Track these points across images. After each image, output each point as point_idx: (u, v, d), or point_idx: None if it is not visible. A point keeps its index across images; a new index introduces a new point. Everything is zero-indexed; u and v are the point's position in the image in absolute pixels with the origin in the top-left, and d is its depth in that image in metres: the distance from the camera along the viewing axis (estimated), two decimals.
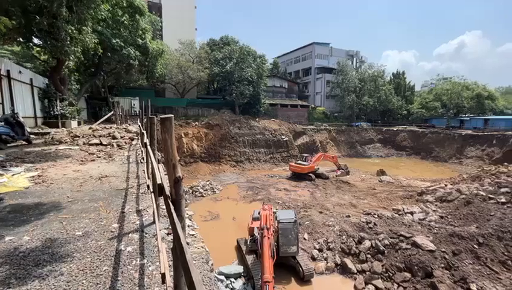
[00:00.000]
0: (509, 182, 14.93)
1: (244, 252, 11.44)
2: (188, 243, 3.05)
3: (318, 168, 27.16)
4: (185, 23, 40.56)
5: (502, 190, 14.00)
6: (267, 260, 8.23)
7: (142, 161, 7.47)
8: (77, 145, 9.93)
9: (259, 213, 11.28)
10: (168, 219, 2.48)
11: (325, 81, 59.91)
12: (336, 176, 26.98)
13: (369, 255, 10.84)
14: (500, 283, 8.63)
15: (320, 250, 12.10)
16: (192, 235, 3.87)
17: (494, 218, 11.49)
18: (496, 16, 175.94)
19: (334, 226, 13.79)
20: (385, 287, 9.42)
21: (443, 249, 9.81)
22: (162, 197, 1.96)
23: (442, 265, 9.31)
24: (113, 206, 4.24)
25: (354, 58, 65.55)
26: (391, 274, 9.85)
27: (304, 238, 13.28)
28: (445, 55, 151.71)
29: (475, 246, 9.85)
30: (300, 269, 10.18)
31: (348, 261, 10.82)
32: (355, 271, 10.44)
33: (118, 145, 10.28)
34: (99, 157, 8.32)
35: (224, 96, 40.39)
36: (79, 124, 17.27)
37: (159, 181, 1.87)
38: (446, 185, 18.66)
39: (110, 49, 19.15)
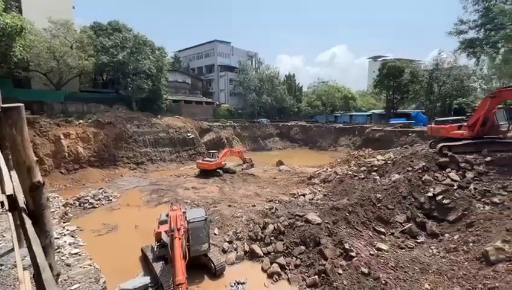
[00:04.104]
0: (365, 162, 19.79)
1: (151, 260, 10.49)
2: (69, 265, 2.53)
3: (225, 164, 27.89)
4: None
5: (361, 168, 18.43)
6: (179, 261, 7.85)
7: None
8: None
9: (167, 215, 10.56)
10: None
11: (228, 79, 61.70)
12: (242, 169, 28.49)
13: (272, 238, 12.04)
14: (362, 238, 11.40)
15: (230, 242, 12.54)
16: (76, 253, 3.23)
17: (357, 191, 15.00)
18: (355, 34, 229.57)
19: (242, 217, 14.59)
20: (286, 263, 10.73)
21: (326, 221, 12.03)
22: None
23: (326, 233, 11.41)
24: None
25: (253, 59, 70.33)
26: (291, 250, 11.29)
27: (215, 234, 13.44)
28: (324, 63, 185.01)
29: (347, 214, 12.58)
30: (212, 265, 10.25)
31: (255, 247, 11.70)
32: (262, 254, 11.40)
33: None
34: None
35: (118, 91, 35.25)
36: None
37: (9, 191, 1.41)
38: (327, 169, 22.89)
39: None
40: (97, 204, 18.09)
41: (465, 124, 15.49)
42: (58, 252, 6.16)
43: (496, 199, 11.33)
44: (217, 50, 62.74)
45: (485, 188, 12.02)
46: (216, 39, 63.08)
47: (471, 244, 10.16)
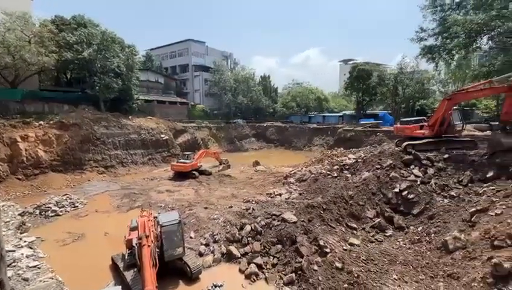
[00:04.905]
0: (338, 161, 20.56)
1: (121, 269, 9.97)
2: (26, 279, 2.32)
3: (201, 165, 27.42)
4: None
5: (334, 167, 19.11)
6: (148, 270, 7.54)
7: None
8: None
9: (137, 221, 10.10)
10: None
11: (203, 79, 60.79)
12: (219, 171, 28.18)
13: (250, 238, 12.05)
14: (336, 234, 11.83)
15: (206, 245, 12.33)
16: (34, 266, 2.97)
17: (331, 189, 15.53)
18: (328, 37, 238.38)
19: (219, 219, 14.42)
20: (263, 262, 10.79)
21: (302, 219, 12.29)
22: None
23: (302, 231, 11.66)
24: None
25: (229, 60, 70.07)
26: (268, 249, 11.38)
27: (191, 237, 13.14)
28: (298, 65, 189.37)
29: (321, 211, 12.97)
30: (188, 268, 9.99)
31: (233, 248, 11.62)
32: (239, 255, 11.34)
33: None
34: None
35: (84, 90, 33.11)
36: None
37: None
38: (302, 169, 23.41)
39: None
40: (61, 212, 16.81)
41: (426, 124, 16.79)
42: (14, 266, 5.60)
43: (453, 193, 12.37)
44: (191, 49, 61.54)
45: (443, 182, 13.08)
46: (190, 38, 61.83)
47: (432, 235, 11.00)
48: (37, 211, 16.37)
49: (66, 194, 19.19)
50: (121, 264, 10.21)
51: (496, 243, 8.43)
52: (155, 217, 10.01)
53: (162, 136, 34.46)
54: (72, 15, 32.92)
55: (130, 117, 33.73)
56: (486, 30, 19.64)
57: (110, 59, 31.01)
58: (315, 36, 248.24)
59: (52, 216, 16.21)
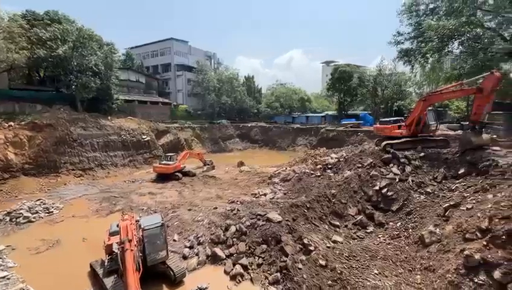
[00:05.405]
0: (321, 161, 20.97)
1: (101, 275, 9.58)
2: None
3: (185, 167, 26.95)
4: None
5: (318, 167, 19.48)
6: (131, 275, 7.30)
7: None
8: None
9: (118, 226, 9.73)
10: None
11: (186, 79, 59.79)
12: (203, 172, 27.84)
13: (235, 239, 11.98)
14: (320, 232, 12.07)
15: (191, 247, 12.13)
16: (3, 277, 2.79)
17: (314, 188, 15.80)
18: (310, 39, 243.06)
19: (203, 220, 14.25)
20: (249, 263, 10.77)
21: (286, 218, 12.41)
22: None
23: (287, 231, 11.77)
24: None
25: (212, 60, 69.43)
26: (253, 249, 11.37)
27: (174, 240, 12.88)
28: (281, 65, 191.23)
29: (305, 210, 13.17)
30: (171, 272, 9.77)
31: (218, 250, 11.51)
32: (224, 257, 11.25)
33: None
34: None
35: (59, 89, 31.47)
36: None
37: None
38: (286, 169, 23.66)
39: None
40: (34, 218, 15.87)
41: (404, 124, 17.53)
42: None
43: (428, 189, 13.01)
44: (174, 48, 60.32)
45: (420, 179, 13.71)
46: (172, 37, 60.61)
47: (410, 230, 11.51)
48: (7, 218, 15.35)
49: (40, 199, 18.16)
50: (100, 271, 9.81)
51: (467, 236, 8.95)
52: (137, 221, 9.70)
53: (144, 137, 33.50)
54: (45, 10, 31.24)
55: (109, 117, 32.47)
56: (457, 35, 20.82)
57: (88, 57, 29.71)
58: (298, 37, 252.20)
59: (24, 223, 15.25)
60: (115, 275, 9.25)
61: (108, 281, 9.10)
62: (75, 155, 26.26)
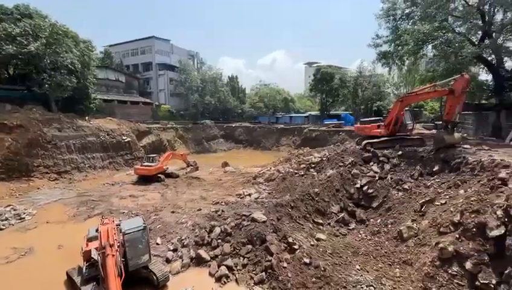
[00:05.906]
0: (304, 160, 21.29)
1: (78, 284, 9.13)
2: None
3: (167, 168, 26.38)
4: None
5: (301, 166, 19.76)
6: (113, 281, 7.04)
7: None
8: None
9: (97, 231, 9.31)
10: None
11: (168, 78, 58.58)
12: (186, 173, 27.37)
13: (219, 240, 11.87)
14: (304, 230, 12.25)
15: (174, 250, 11.88)
16: None
17: (298, 187, 16.01)
18: (293, 40, 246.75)
19: (187, 222, 14.01)
20: (234, 264, 10.71)
21: (271, 218, 12.47)
22: None
23: (272, 230, 11.83)
24: None
25: (195, 59, 68.48)
26: (238, 250, 11.31)
27: (157, 243, 12.55)
28: (265, 66, 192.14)
29: (289, 209, 13.30)
30: (154, 277, 9.51)
31: (202, 252, 11.35)
32: (209, 258, 11.11)
33: None
34: None
35: (31, 88, 29.68)
36: None
37: None
38: (270, 168, 23.79)
39: None
40: (4, 225, 14.88)
41: (383, 123, 18.20)
42: None
43: (406, 186, 13.57)
44: (155, 47, 58.88)
45: (398, 177, 14.28)
46: (154, 35, 59.11)
47: (389, 225, 11.96)
48: None
49: (10, 205, 17.06)
50: (77, 279, 9.35)
51: (441, 229, 9.44)
52: (117, 225, 9.35)
53: (124, 138, 32.42)
54: (14, 4, 29.39)
55: (87, 118, 31.15)
56: (430, 39, 21.90)
57: (62, 54, 28.27)
58: (280, 38, 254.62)
59: None
60: (94, 283, 8.85)
61: (87, 289, 8.71)
62: (50, 158, 24.92)
